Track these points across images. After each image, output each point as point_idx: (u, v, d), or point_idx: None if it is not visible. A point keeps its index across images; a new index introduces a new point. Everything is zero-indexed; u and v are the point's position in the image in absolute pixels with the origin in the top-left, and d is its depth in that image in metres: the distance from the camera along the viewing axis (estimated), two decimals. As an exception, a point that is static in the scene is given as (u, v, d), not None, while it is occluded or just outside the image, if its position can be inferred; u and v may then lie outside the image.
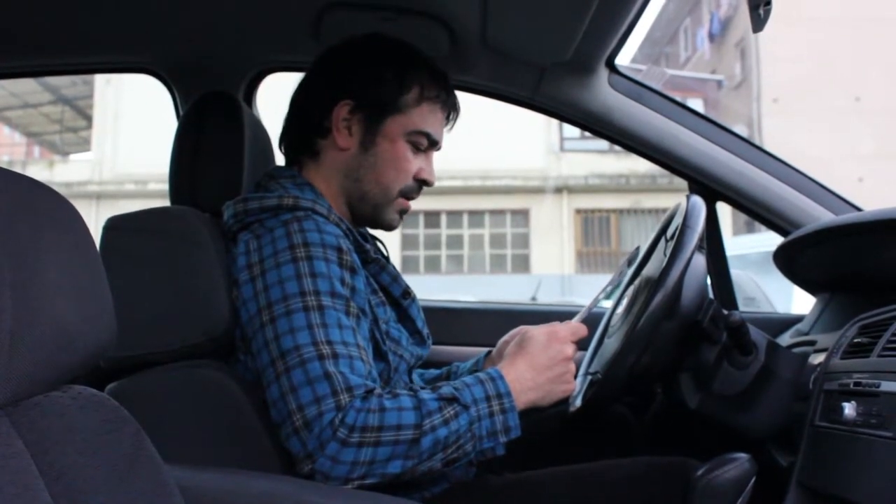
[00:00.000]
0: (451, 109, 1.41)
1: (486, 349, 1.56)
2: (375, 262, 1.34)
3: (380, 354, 1.28)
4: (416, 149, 1.36)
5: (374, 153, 1.34)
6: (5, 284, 0.60)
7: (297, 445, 1.10)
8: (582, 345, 1.72)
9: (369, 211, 1.37)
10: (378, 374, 1.25)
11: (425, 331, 1.43)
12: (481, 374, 1.21)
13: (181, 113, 1.82)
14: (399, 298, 1.37)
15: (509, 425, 1.18)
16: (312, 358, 1.12)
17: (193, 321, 1.23)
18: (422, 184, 1.39)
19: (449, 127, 1.43)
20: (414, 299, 1.42)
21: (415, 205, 1.44)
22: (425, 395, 1.15)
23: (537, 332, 1.28)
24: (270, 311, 1.16)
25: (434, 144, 1.38)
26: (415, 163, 1.36)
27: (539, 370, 1.24)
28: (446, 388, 1.17)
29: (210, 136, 1.43)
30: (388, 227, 1.41)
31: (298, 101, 1.39)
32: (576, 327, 1.30)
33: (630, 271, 1.53)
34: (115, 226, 1.29)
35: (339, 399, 1.09)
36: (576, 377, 1.31)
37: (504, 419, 1.18)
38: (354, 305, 1.20)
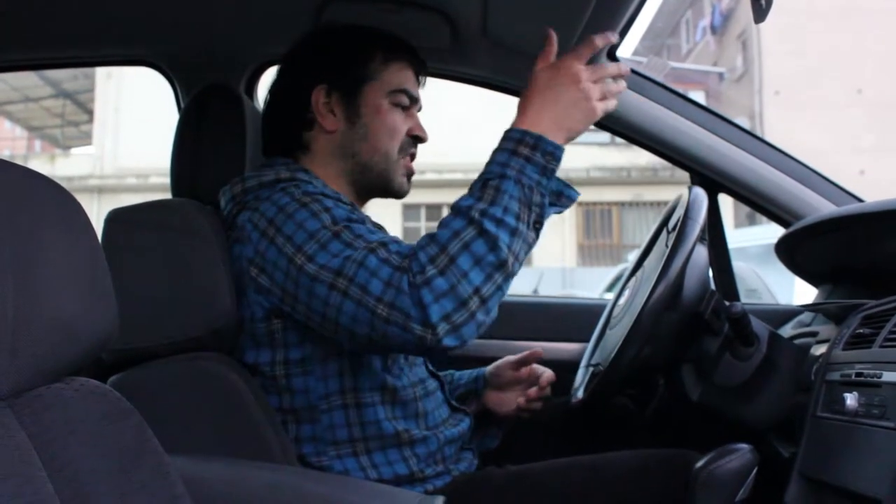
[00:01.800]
0: (419, 67, 1.43)
1: (485, 341, 1.57)
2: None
3: None
4: (401, 109, 1.39)
5: (362, 124, 1.36)
6: (7, 277, 0.61)
7: (398, 331, 1.08)
8: (584, 336, 1.72)
9: (376, 180, 1.39)
10: None
11: None
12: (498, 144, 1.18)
13: (182, 106, 1.82)
14: None
15: (548, 150, 1.14)
16: (365, 256, 1.11)
17: (195, 313, 1.23)
18: (416, 140, 1.41)
19: (422, 85, 1.45)
20: None
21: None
22: (458, 201, 1.14)
23: (539, 69, 1.21)
24: (304, 252, 1.15)
25: (415, 101, 1.41)
26: (404, 122, 1.39)
27: (553, 102, 1.18)
28: (477, 180, 1.16)
29: (211, 128, 1.43)
30: (399, 193, 1.42)
31: (275, 106, 1.41)
32: (584, 45, 1.21)
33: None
34: (116, 218, 1.29)
35: (403, 266, 1.09)
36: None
37: (542, 152, 1.14)
38: (372, 227, 1.22)
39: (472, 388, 1.58)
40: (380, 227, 1.47)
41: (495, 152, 1.16)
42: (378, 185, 1.39)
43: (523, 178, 1.13)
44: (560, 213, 1.20)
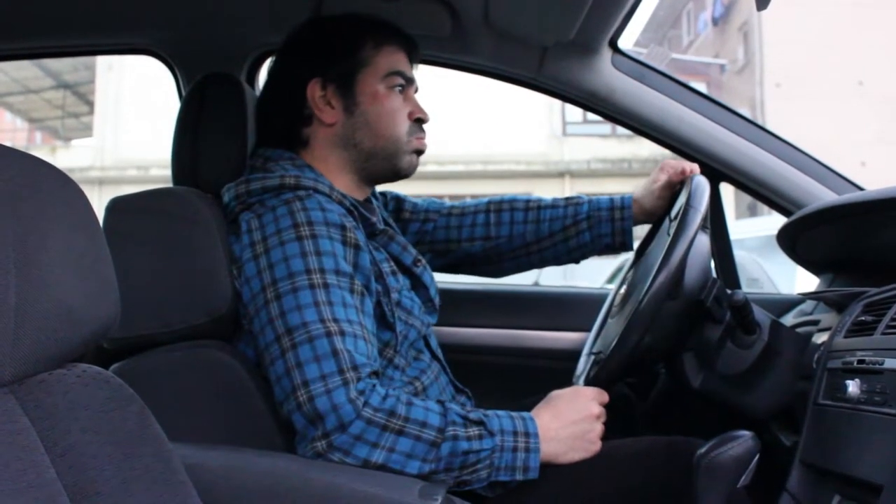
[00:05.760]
0: (410, 48, 1.42)
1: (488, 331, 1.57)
2: (384, 234, 1.36)
3: (386, 325, 1.28)
4: (398, 92, 1.38)
5: (361, 112, 1.35)
6: (10, 263, 0.61)
7: (301, 421, 1.10)
8: (586, 325, 1.72)
9: (383, 165, 1.38)
10: (386, 343, 1.27)
11: (437, 299, 1.44)
12: (513, 412, 1.22)
13: (183, 95, 1.81)
14: (410, 266, 1.39)
15: (529, 465, 1.18)
16: (320, 335, 1.12)
17: (196, 302, 1.23)
18: (419, 122, 1.40)
19: (415, 65, 1.44)
20: (425, 266, 1.43)
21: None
22: (453, 406, 1.17)
23: (563, 390, 1.29)
24: (275, 288, 1.16)
25: (411, 82, 1.41)
26: (403, 105, 1.38)
27: (564, 423, 1.23)
28: (475, 413, 1.18)
29: (212, 117, 1.43)
30: (408, 172, 1.41)
31: (270, 104, 1.41)
32: (600, 390, 1.30)
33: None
34: (117, 207, 1.29)
35: (346, 377, 1.10)
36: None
37: (526, 458, 1.18)
38: (358, 283, 1.20)
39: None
40: (385, 227, 1.47)
41: (509, 415, 1.20)
42: (386, 169, 1.39)
43: (496, 454, 1.16)
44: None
